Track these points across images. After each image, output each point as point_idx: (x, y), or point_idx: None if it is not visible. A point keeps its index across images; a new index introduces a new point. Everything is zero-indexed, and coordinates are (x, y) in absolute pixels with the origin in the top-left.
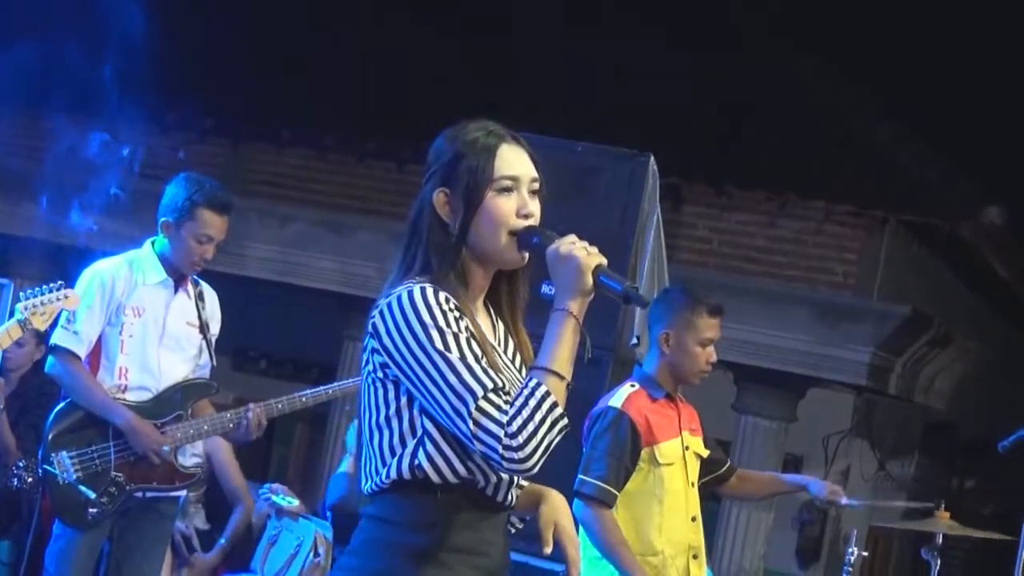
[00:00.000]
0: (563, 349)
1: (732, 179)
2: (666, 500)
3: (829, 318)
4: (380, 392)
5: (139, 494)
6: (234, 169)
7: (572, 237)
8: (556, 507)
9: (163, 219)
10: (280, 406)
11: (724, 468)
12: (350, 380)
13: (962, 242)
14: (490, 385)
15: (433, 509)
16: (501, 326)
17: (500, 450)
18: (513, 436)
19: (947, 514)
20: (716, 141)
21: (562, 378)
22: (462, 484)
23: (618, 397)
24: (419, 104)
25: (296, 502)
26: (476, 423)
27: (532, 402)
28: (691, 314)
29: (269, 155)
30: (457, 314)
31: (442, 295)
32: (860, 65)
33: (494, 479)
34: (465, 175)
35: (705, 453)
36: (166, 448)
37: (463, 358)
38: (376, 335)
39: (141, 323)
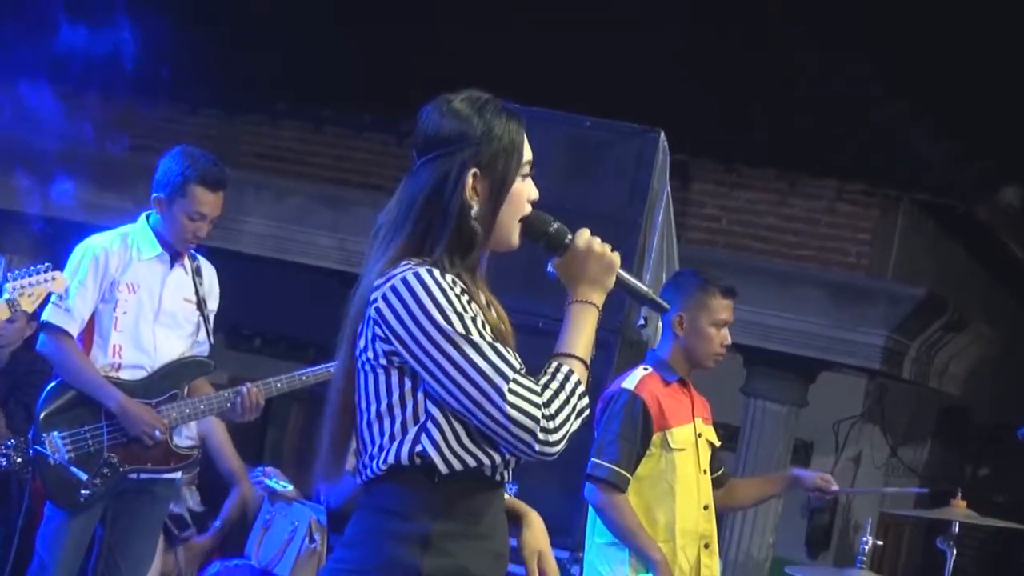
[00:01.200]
0: (586, 339)
1: (741, 156)
2: (678, 487)
3: (841, 300)
4: (383, 379)
5: (133, 475)
6: (228, 142)
7: (587, 232)
8: (537, 534)
9: (155, 194)
10: (279, 385)
11: (720, 472)
12: None
13: (978, 223)
14: (518, 366)
15: (434, 495)
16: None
17: (538, 432)
18: (551, 418)
19: (963, 502)
20: (725, 116)
21: (587, 367)
22: (466, 470)
23: (631, 379)
24: (419, 75)
25: (290, 487)
26: (513, 405)
27: (568, 386)
28: (704, 296)
29: (264, 127)
30: (467, 298)
31: (449, 277)
32: (873, 40)
33: (495, 461)
34: (501, 158)
35: (718, 442)
36: (157, 432)
37: (484, 339)
38: (382, 322)
39: (136, 299)
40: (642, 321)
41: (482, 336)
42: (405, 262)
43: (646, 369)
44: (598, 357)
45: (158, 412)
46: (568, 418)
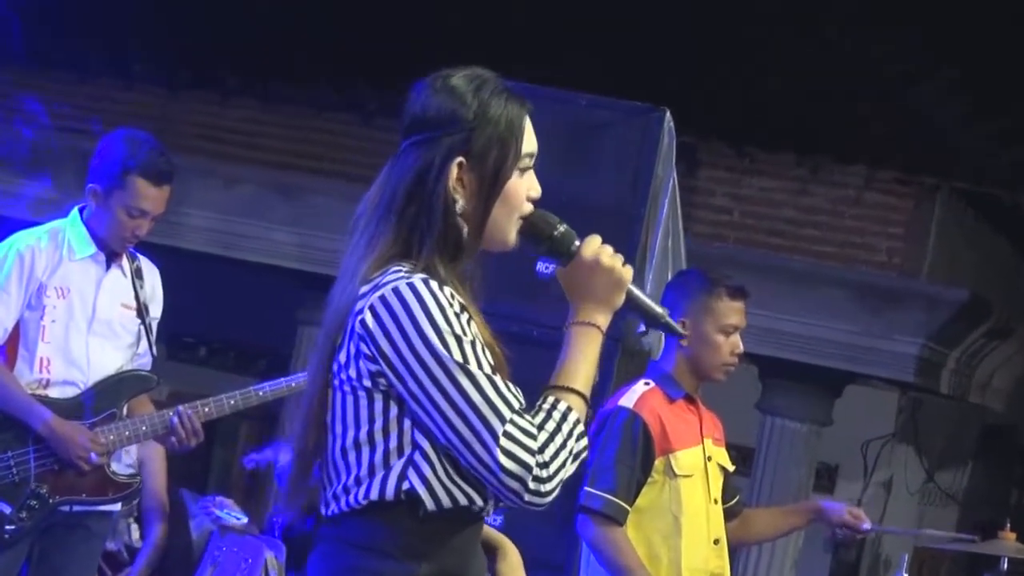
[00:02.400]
0: (587, 368)
1: (756, 138)
2: (684, 519)
3: (870, 303)
4: (364, 403)
5: (65, 507)
6: (168, 122)
7: (598, 239)
8: (514, 567)
9: (91, 185)
10: (232, 402)
11: (735, 500)
12: None
13: None
14: (515, 405)
15: (419, 533)
16: None
17: (528, 482)
18: (544, 466)
19: (1012, 535)
20: (737, 93)
21: (587, 401)
22: (454, 508)
23: (630, 396)
24: (389, 47)
25: (244, 518)
26: (505, 451)
27: (565, 427)
28: (709, 297)
29: (210, 106)
30: (467, 316)
31: (447, 290)
32: (906, 9)
33: (485, 497)
34: (493, 149)
35: (731, 467)
36: (94, 457)
37: (482, 370)
38: (369, 339)
39: (66, 305)
40: (643, 327)
41: (480, 366)
42: (396, 268)
43: (647, 384)
44: None
45: (94, 434)
46: (563, 465)
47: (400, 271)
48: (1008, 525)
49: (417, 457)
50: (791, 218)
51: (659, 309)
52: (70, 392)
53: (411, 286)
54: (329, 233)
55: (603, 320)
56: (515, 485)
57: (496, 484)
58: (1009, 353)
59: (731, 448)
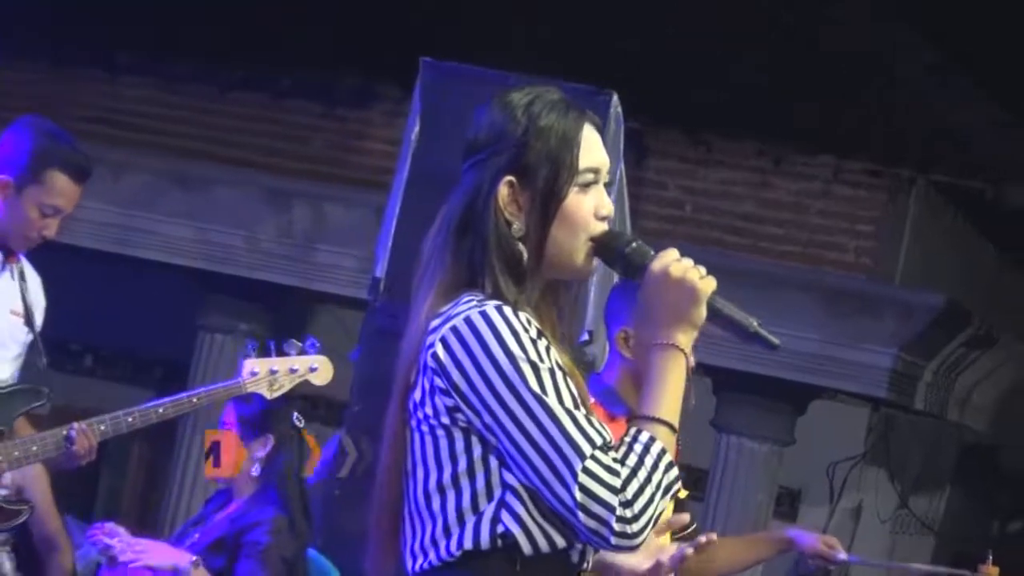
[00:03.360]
0: (672, 393)
1: (712, 124)
2: None
3: (837, 309)
4: (445, 444)
5: None
6: (54, 104)
7: (675, 253)
8: None
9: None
10: (131, 420)
11: (691, 529)
12: (221, 383)
13: (1010, 211)
14: (598, 440)
15: None
16: None
17: (613, 523)
18: (628, 505)
19: (995, 569)
20: (691, 73)
21: (674, 430)
22: (552, 551)
23: None
24: (305, 19)
25: None
26: (584, 490)
27: (648, 461)
28: None
29: (99, 84)
30: (545, 343)
31: (523, 316)
32: None
33: (582, 543)
34: (545, 166)
35: (683, 492)
36: None
37: (562, 402)
38: (442, 372)
39: None
40: (586, 335)
41: (560, 396)
42: (468, 298)
43: None
44: None
45: None
46: (651, 500)
47: (472, 300)
48: (990, 558)
49: (509, 498)
50: (750, 214)
51: (751, 320)
52: None
53: (483, 314)
54: (234, 228)
55: (684, 340)
56: (597, 526)
57: (579, 526)
58: (991, 366)
59: (683, 470)
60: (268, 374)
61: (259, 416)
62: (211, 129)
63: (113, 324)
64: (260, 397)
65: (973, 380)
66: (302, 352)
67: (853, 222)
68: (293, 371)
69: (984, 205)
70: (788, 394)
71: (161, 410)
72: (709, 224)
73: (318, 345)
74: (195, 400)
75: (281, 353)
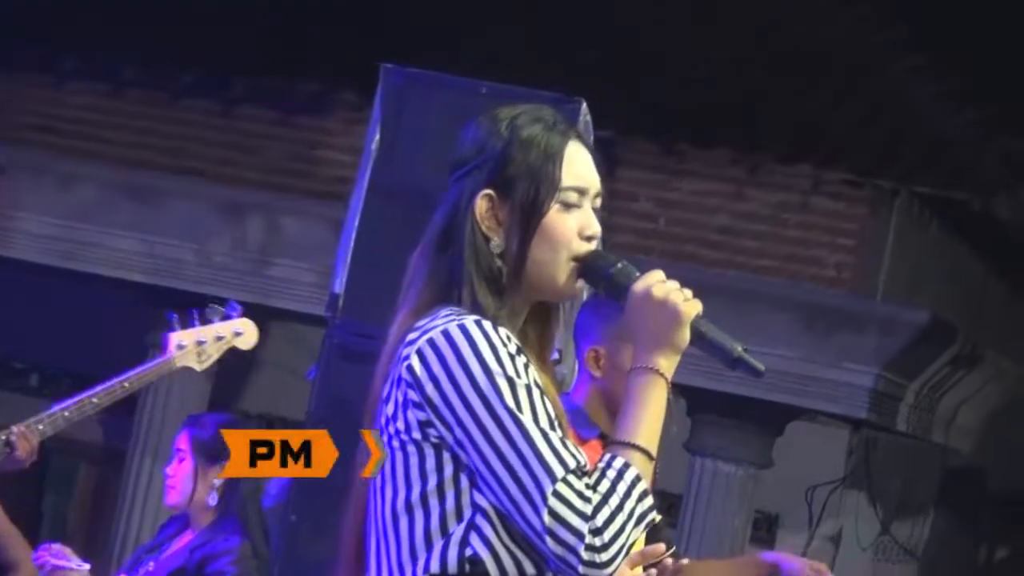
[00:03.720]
0: (651, 419)
1: (685, 133)
2: None
3: (817, 326)
4: (416, 461)
5: None
6: None
7: (660, 274)
8: None
9: None
10: (67, 413)
11: (671, 551)
12: (151, 362)
13: (998, 223)
14: (571, 463)
15: None
16: None
17: (580, 551)
18: (598, 533)
19: None
20: (662, 81)
21: (651, 457)
22: None
23: None
24: (259, 23)
25: (86, 566)
26: (553, 514)
27: (621, 488)
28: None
29: (44, 90)
30: (524, 360)
31: (503, 331)
32: None
33: (552, 571)
34: (524, 180)
35: (656, 518)
36: None
37: (537, 421)
38: (415, 384)
39: None
40: (556, 355)
41: (536, 416)
42: (447, 311)
43: None
44: None
45: None
46: (622, 529)
47: (451, 314)
48: None
49: (479, 520)
50: (726, 227)
51: (736, 346)
52: None
53: (462, 327)
54: (185, 241)
55: (665, 364)
56: (563, 553)
57: (547, 552)
58: (977, 385)
59: (656, 495)
60: (195, 345)
61: (215, 440)
62: (161, 137)
63: (59, 342)
64: (213, 420)
65: (958, 400)
66: (225, 317)
67: (833, 235)
68: (220, 339)
69: (970, 217)
70: (765, 415)
71: (96, 399)
72: (682, 237)
73: (240, 308)
74: (127, 384)
75: (205, 322)
